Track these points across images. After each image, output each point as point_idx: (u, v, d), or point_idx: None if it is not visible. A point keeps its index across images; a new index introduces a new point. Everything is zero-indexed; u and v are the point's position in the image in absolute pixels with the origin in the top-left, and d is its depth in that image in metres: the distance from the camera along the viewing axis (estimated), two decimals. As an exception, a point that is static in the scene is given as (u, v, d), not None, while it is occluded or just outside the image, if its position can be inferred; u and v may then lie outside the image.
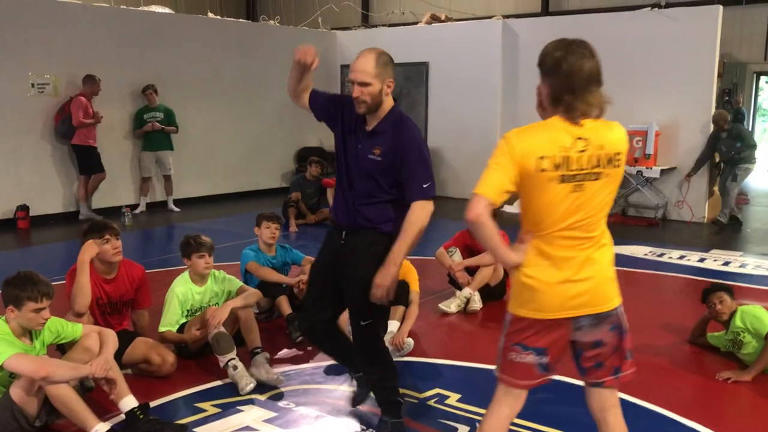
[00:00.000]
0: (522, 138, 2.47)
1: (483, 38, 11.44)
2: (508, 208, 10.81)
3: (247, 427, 3.62)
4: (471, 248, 5.78)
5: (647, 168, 9.71)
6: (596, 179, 2.51)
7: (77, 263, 4.05)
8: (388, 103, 3.25)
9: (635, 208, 10.28)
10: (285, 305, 5.05)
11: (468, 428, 3.62)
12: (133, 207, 10.05)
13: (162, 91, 10.27)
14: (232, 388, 4.05)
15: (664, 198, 10.02)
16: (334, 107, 3.38)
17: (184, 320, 4.51)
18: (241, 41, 11.79)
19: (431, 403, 3.92)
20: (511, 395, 2.69)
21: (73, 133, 9.27)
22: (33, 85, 9.18)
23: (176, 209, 10.47)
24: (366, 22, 18.47)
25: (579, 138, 2.48)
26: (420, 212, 3.17)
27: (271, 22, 13.30)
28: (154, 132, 10.11)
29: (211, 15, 12.07)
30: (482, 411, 3.72)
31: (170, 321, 4.43)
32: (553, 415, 3.73)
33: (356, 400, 3.82)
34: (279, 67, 12.29)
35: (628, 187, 10.18)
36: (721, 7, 9.66)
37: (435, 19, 12.41)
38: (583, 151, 2.47)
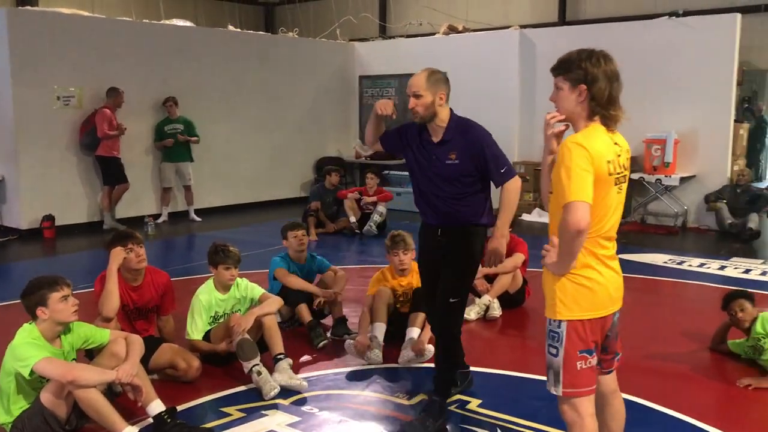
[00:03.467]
0: (592, 143, 2.55)
1: (500, 48, 11.50)
2: (526, 217, 10.80)
3: None
4: (490, 256, 5.81)
5: (666, 176, 9.70)
6: (625, 181, 2.69)
7: (106, 271, 4.14)
8: (445, 113, 3.71)
9: (654, 216, 10.25)
10: (305, 313, 5.11)
11: (489, 433, 3.66)
12: (156, 217, 10.17)
13: (184, 102, 10.42)
14: (256, 393, 4.12)
15: (683, 206, 9.99)
16: (399, 137, 3.87)
17: (207, 327, 4.59)
18: (261, 53, 11.94)
19: (453, 408, 3.95)
20: (589, 403, 2.71)
21: (98, 145, 9.42)
22: (58, 98, 9.36)
23: (198, 219, 10.59)
24: (383, 33, 18.63)
25: (615, 143, 2.64)
26: (510, 192, 3.67)
27: (290, 33, 13.45)
28: (174, 143, 10.25)
29: (231, 28, 12.22)
30: (503, 416, 3.82)
31: (198, 329, 4.51)
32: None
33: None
34: (299, 78, 12.47)
35: (647, 195, 10.17)
36: (739, 15, 9.66)
37: (452, 29, 12.49)
38: (620, 155, 2.64)
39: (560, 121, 2.73)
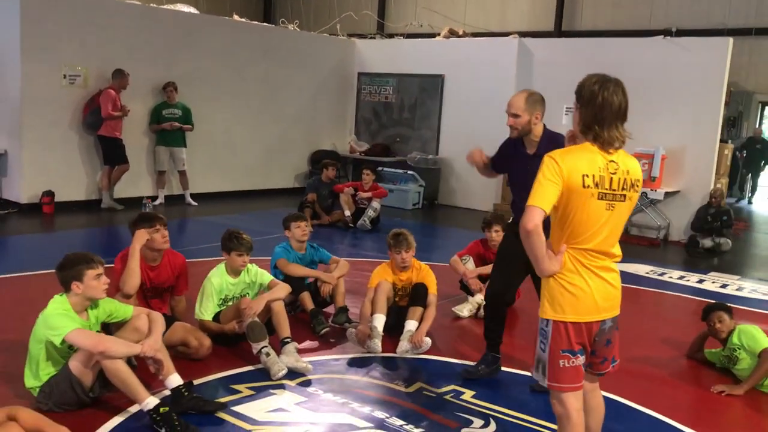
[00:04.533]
0: (567, 158, 2.80)
1: (499, 55, 11.78)
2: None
3: (280, 409, 3.94)
4: (483, 257, 6.10)
5: (652, 190, 10.04)
6: (623, 200, 2.87)
7: (129, 249, 4.37)
8: (539, 129, 4.24)
9: (638, 227, 10.59)
10: (308, 300, 5.36)
11: (482, 422, 3.92)
12: (153, 199, 10.35)
13: (186, 88, 10.60)
14: (263, 374, 4.36)
15: (666, 219, 10.36)
16: (501, 158, 4.50)
17: (217, 309, 4.82)
18: (264, 45, 12.14)
19: (448, 397, 4.24)
20: (575, 398, 2.95)
21: (101, 125, 9.58)
22: (65, 77, 9.50)
23: (194, 203, 10.78)
24: (381, 31, 18.91)
25: (611, 161, 2.83)
26: None
27: (290, 26, 13.62)
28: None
29: (236, 17, 12.40)
30: (495, 407, 4.10)
31: (208, 310, 4.73)
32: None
33: (472, 373, 4.54)
34: (300, 71, 12.68)
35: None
36: (731, 39, 10.03)
37: (453, 33, 12.75)
38: (614, 173, 2.83)
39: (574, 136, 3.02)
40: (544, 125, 4.26)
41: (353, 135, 13.53)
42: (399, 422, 3.85)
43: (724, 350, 4.86)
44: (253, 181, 12.24)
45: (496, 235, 5.95)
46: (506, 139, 4.40)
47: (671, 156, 10.11)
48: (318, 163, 13.00)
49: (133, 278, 4.29)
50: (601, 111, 2.82)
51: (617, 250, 2.96)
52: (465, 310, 5.82)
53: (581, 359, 2.93)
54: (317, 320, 5.22)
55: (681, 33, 14.72)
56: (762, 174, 16.65)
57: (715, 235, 9.54)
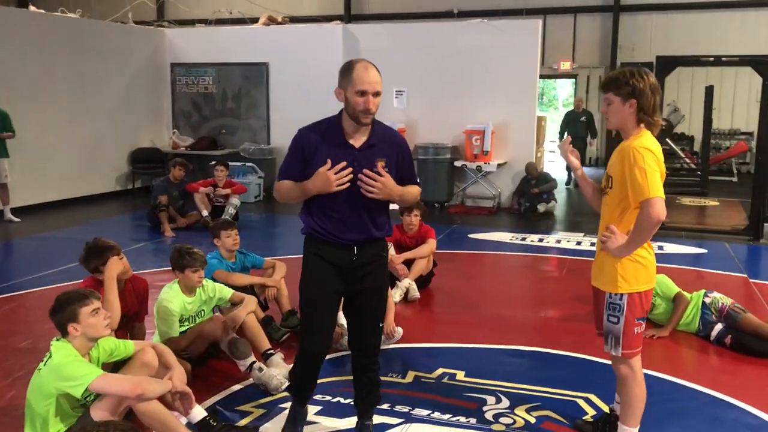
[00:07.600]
0: (655, 147, 3.07)
1: (324, 42, 11.88)
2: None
3: (306, 421, 3.81)
4: (400, 242, 6.29)
5: (485, 163, 10.86)
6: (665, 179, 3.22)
7: (105, 281, 3.92)
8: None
9: (472, 199, 11.41)
10: (258, 309, 5.15)
11: (494, 398, 4.13)
12: (-33, 219, 9.07)
13: (-9, 90, 9.38)
14: (258, 389, 4.18)
15: (497, 189, 11.27)
16: (302, 164, 3.18)
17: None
18: (72, 38, 11.06)
19: (446, 380, 4.38)
20: (639, 360, 3.28)
21: None
22: None
23: (16, 219, 9.60)
24: (162, 18, 18.11)
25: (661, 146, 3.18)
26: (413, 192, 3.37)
27: (72, 15, 12.42)
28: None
29: (33, 8, 11.11)
30: (491, 382, 4.33)
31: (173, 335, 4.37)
32: (544, 378, 4.41)
33: None
34: (109, 64, 11.76)
35: (466, 180, 11.30)
36: (540, 21, 11.10)
37: (272, 20, 12.58)
38: (661, 156, 3.17)
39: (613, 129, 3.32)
40: None
41: (174, 130, 12.84)
42: (425, 412, 3.93)
43: (639, 299, 5.54)
44: (73, 187, 11.17)
45: (415, 219, 6.17)
46: (300, 133, 3.21)
47: (499, 131, 10.99)
48: (139, 162, 12.27)
49: (113, 311, 3.86)
50: (655, 98, 3.12)
51: None
52: (396, 295, 5.93)
53: (645, 323, 3.29)
54: (273, 327, 5.07)
55: (462, 14, 15.92)
56: (589, 148, 14.63)
57: (544, 200, 10.56)
